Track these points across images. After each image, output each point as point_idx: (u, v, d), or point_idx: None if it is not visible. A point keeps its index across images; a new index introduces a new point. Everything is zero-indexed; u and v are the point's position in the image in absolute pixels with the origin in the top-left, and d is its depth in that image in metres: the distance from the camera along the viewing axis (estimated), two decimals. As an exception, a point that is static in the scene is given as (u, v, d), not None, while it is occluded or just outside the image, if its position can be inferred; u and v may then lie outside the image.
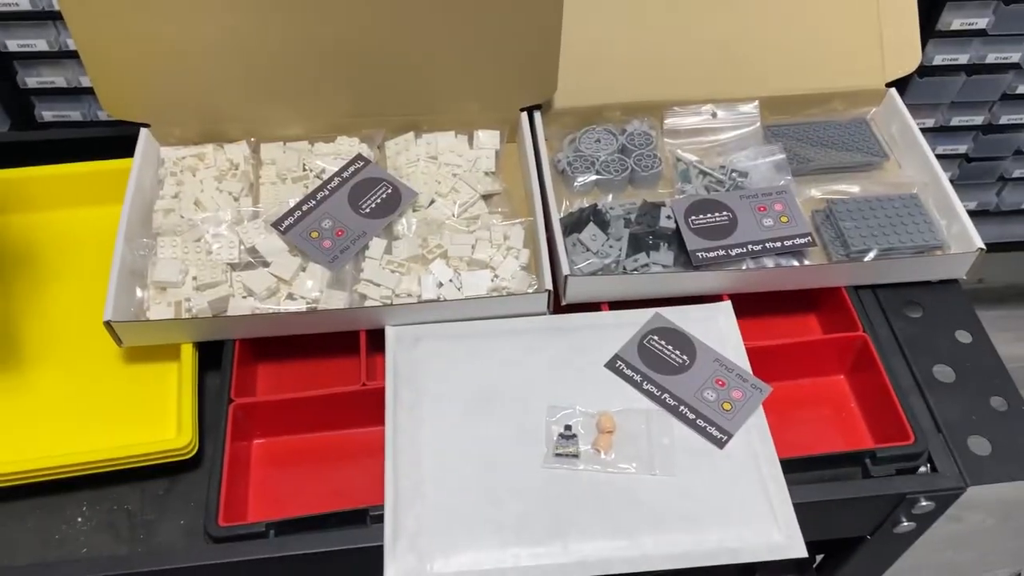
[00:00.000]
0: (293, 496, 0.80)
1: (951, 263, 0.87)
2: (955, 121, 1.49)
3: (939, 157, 1.52)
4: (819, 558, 0.95)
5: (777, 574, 0.92)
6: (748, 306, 0.86)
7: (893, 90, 0.99)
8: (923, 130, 1.47)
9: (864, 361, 0.83)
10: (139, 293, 0.83)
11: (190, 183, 0.90)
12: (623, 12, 0.96)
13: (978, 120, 1.49)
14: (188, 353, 0.81)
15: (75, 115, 1.31)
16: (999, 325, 1.14)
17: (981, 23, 1.34)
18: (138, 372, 0.84)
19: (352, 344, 0.82)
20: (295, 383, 0.86)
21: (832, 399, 0.86)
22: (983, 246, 0.85)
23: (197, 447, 0.78)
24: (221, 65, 0.88)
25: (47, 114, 1.31)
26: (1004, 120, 1.48)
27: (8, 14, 1.17)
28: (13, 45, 1.20)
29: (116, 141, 0.95)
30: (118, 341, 0.81)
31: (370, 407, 0.79)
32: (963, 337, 0.85)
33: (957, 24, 1.33)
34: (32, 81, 1.26)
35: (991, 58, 1.39)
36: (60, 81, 1.26)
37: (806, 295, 0.90)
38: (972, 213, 1.64)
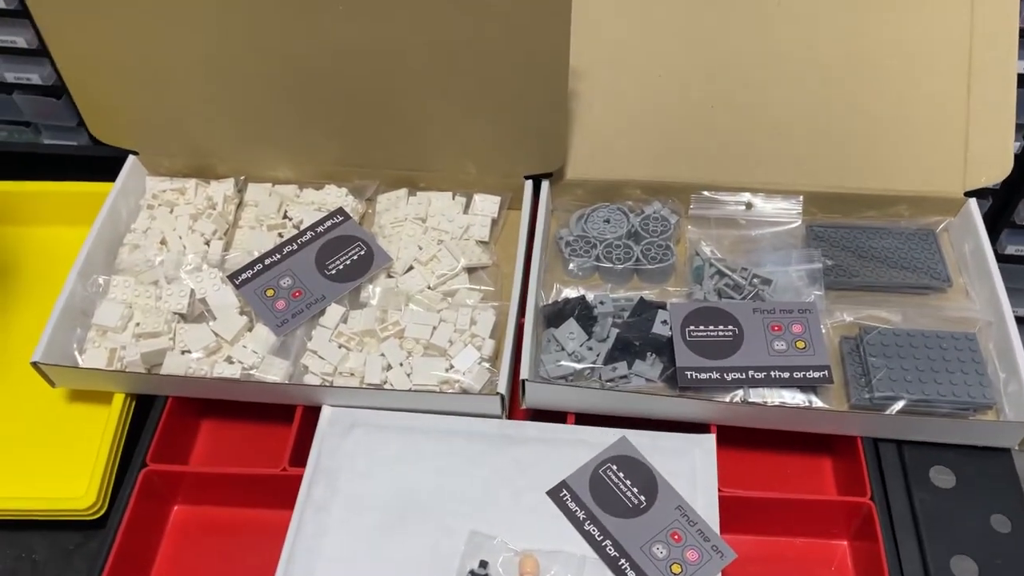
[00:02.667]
0: (198, 572, 0.74)
1: (997, 431, 0.71)
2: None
3: None
4: None
5: None
6: (748, 436, 0.74)
7: (973, 201, 0.83)
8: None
9: (867, 534, 0.69)
10: (79, 332, 0.78)
11: (164, 219, 0.86)
12: (658, 77, 0.84)
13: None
14: (118, 405, 0.77)
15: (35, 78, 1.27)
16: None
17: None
18: (73, 413, 0.81)
19: (295, 414, 0.76)
20: (234, 445, 0.81)
21: (826, 567, 0.72)
22: (1041, 416, 0.68)
23: (104, 508, 0.73)
24: (212, 98, 0.83)
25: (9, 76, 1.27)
26: None
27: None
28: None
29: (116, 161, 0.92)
30: (50, 382, 0.77)
31: (290, 492, 0.72)
32: (1000, 525, 0.69)
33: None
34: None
35: None
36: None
37: (821, 434, 0.76)
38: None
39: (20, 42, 1.25)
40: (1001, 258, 1.31)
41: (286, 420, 0.77)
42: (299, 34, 0.77)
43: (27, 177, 0.95)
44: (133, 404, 0.78)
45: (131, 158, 0.89)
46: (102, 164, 0.95)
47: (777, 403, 0.72)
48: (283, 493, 0.72)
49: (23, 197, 0.94)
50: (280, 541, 0.70)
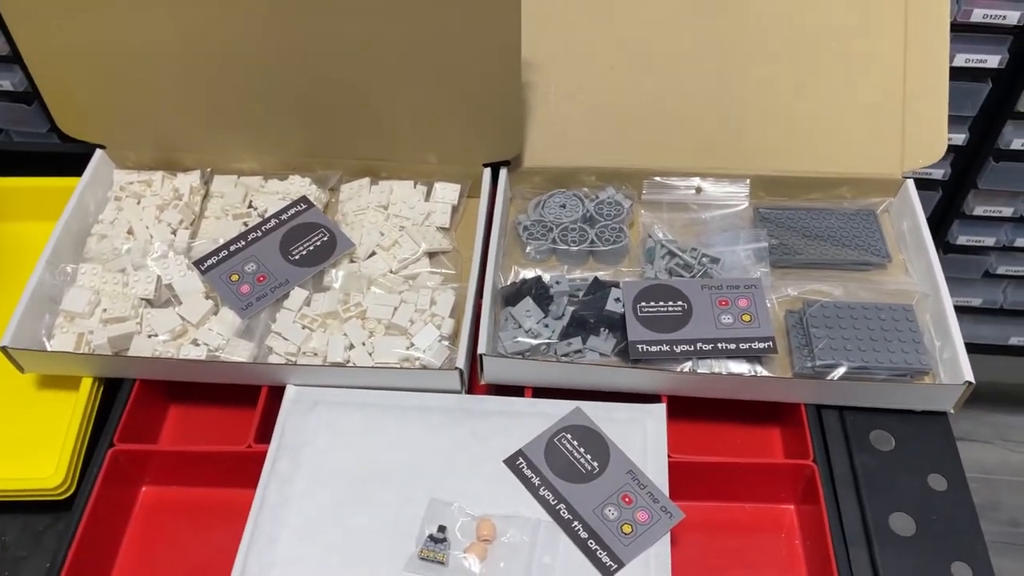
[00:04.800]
0: (165, 553, 0.75)
1: (932, 394, 0.74)
2: (1037, 211, 1.33)
3: (1018, 250, 1.37)
4: None
5: None
6: (694, 407, 0.77)
7: (910, 181, 0.87)
8: (1000, 219, 1.34)
9: (810, 495, 0.72)
10: (47, 318, 0.80)
11: (131, 210, 0.88)
12: (611, 68, 0.88)
13: (1062, 211, 1.32)
14: (86, 388, 0.78)
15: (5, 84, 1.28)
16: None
17: (1068, 105, 1.18)
18: (42, 399, 0.82)
19: (260, 395, 0.78)
20: (201, 427, 0.83)
21: (775, 531, 0.75)
22: (971, 380, 0.71)
23: (73, 488, 0.75)
24: (178, 91, 0.86)
25: None
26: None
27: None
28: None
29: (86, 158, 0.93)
30: (19, 368, 0.79)
31: (255, 470, 0.74)
32: (936, 483, 0.72)
33: (1039, 106, 1.18)
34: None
35: (1079, 144, 1.22)
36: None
37: (768, 403, 0.79)
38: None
39: (-9, 48, 1.26)
40: (952, 248, 1.37)
41: (251, 403, 0.79)
42: (262, 29, 0.79)
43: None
44: (101, 389, 0.80)
45: (98, 152, 0.91)
46: (69, 161, 0.97)
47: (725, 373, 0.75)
48: (249, 471, 0.74)
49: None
50: (245, 519, 0.71)
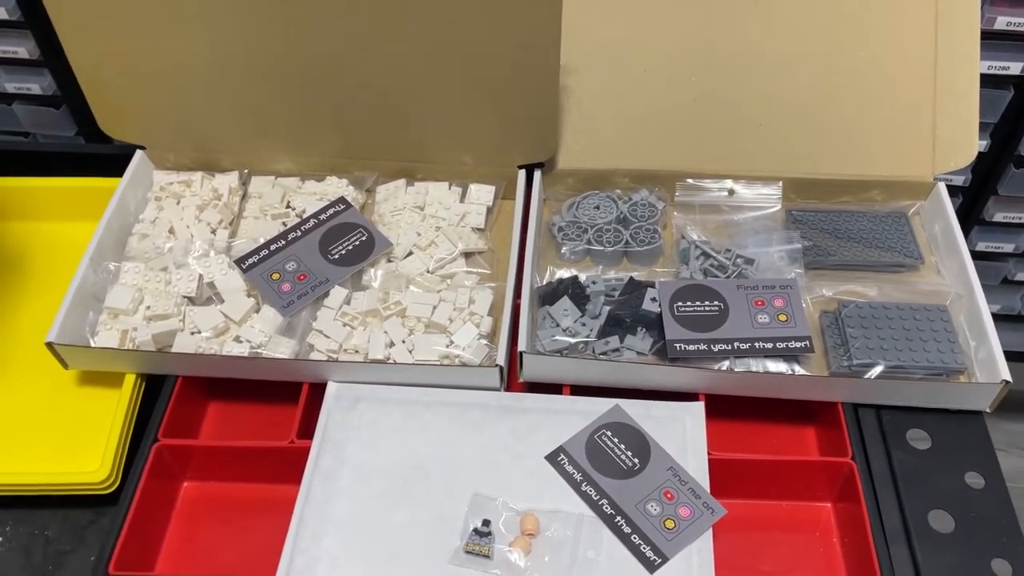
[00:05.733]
0: (208, 547, 0.76)
1: (969, 393, 0.75)
2: (1057, 218, 1.34)
3: None
4: None
5: None
6: (731, 406, 0.77)
7: (942, 184, 0.88)
8: (1020, 225, 1.35)
9: (849, 493, 0.72)
10: (91, 316, 0.81)
11: (172, 209, 0.89)
12: (643, 74, 0.89)
13: (1084, 219, 1.33)
14: (129, 384, 0.79)
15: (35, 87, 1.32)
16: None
17: (1090, 113, 1.19)
18: (86, 395, 0.83)
19: (301, 392, 0.78)
20: (240, 424, 0.83)
21: (811, 528, 0.75)
22: (1009, 379, 0.72)
23: (118, 483, 0.76)
24: (218, 95, 0.87)
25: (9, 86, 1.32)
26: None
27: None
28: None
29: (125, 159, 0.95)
30: (63, 364, 0.80)
31: (298, 465, 0.75)
32: (974, 481, 0.73)
33: (1060, 113, 1.19)
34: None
35: (1100, 152, 1.24)
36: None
37: (804, 403, 0.80)
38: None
39: (22, 52, 1.28)
40: (971, 254, 1.38)
41: (291, 400, 0.79)
42: (299, 32, 0.81)
43: (25, 175, 0.98)
44: (143, 386, 0.81)
45: (139, 153, 0.92)
46: (95, 162, 0.98)
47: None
48: (290, 466, 0.75)
49: (27, 192, 0.96)
50: (287, 515, 0.72)
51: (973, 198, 1.34)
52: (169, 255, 0.84)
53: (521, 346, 0.76)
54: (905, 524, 0.71)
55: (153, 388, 0.81)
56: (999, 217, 1.34)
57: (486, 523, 0.69)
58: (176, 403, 0.79)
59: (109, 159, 0.96)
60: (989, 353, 0.75)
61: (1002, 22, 1.11)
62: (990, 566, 0.68)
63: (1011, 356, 1.50)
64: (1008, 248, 1.39)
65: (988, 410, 0.76)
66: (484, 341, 0.79)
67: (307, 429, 0.76)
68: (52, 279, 0.92)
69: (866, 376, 0.75)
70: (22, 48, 1.28)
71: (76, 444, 0.80)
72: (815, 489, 0.76)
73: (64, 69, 1.24)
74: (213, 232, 0.88)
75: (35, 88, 1.33)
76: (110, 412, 0.80)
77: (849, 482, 0.72)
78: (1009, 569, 0.68)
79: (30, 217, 0.97)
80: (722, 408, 0.78)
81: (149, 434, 0.77)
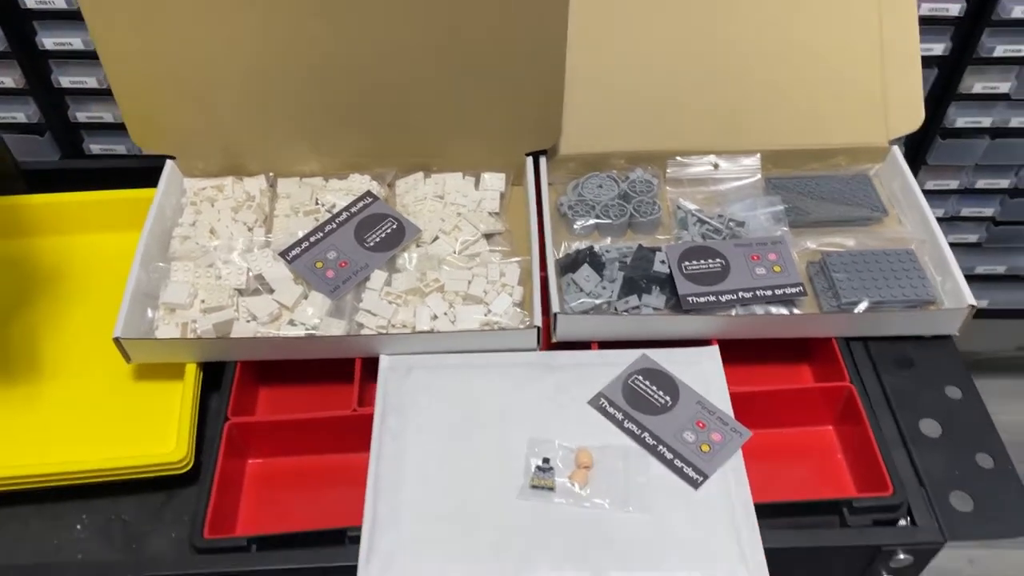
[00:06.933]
0: (281, 514, 0.82)
1: (942, 318, 0.87)
2: (980, 184, 1.49)
3: (965, 220, 1.54)
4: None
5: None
6: (739, 353, 0.88)
7: (896, 148, 1.01)
8: (948, 192, 1.50)
9: (850, 412, 0.83)
10: (149, 313, 0.87)
11: (208, 212, 0.95)
12: (631, 65, 0.99)
13: (1004, 183, 1.49)
14: (192, 373, 0.85)
15: (120, 148, 1.38)
16: None
17: (1004, 87, 1.34)
18: (145, 389, 0.88)
19: (349, 371, 0.85)
20: (293, 406, 0.89)
21: (818, 449, 0.86)
22: (975, 303, 0.85)
23: (192, 462, 0.81)
24: (244, 104, 0.94)
25: (95, 147, 1.39)
26: (1033, 185, 1.49)
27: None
28: (66, 81, 1.29)
29: (153, 172, 1.00)
30: (127, 357, 0.85)
31: (360, 432, 0.82)
32: (952, 393, 0.85)
33: (979, 88, 1.34)
34: (82, 116, 1.35)
35: (1015, 122, 1.39)
36: (108, 116, 1.34)
37: (799, 345, 0.91)
38: (1002, 277, 1.62)
39: (8, 82, 1.32)
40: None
41: (337, 380, 0.87)
42: (319, 41, 0.88)
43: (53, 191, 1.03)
44: (201, 374, 0.87)
45: (169, 163, 0.98)
46: (110, 176, 1.04)
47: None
48: (354, 432, 0.82)
49: (60, 207, 1.01)
50: (353, 480, 0.79)
51: (916, 147, 1.45)
52: (215, 252, 0.91)
53: (554, 308, 0.85)
54: (901, 433, 0.82)
55: (210, 380, 0.87)
56: (930, 185, 1.49)
57: (546, 460, 0.77)
58: (239, 386, 0.85)
59: (128, 173, 1.02)
60: (954, 284, 0.87)
61: (925, 8, 1.26)
62: (975, 459, 0.80)
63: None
64: (939, 213, 1.53)
65: (957, 333, 0.88)
66: (518, 308, 0.88)
67: (362, 401, 0.84)
68: (93, 286, 0.98)
69: (855, 311, 0.86)
70: (8, 78, 1.32)
71: (143, 432, 0.85)
72: (818, 414, 0.87)
73: (49, 97, 1.29)
74: (250, 230, 0.94)
75: (20, 117, 1.36)
76: (173, 399, 0.86)
77: (849, 403, 0.83)
78: (991, 461, 0.80)
79: (64, 231, 1.02)
80: (727, 355, 0.88)
81: (215, 416, 0.84)
